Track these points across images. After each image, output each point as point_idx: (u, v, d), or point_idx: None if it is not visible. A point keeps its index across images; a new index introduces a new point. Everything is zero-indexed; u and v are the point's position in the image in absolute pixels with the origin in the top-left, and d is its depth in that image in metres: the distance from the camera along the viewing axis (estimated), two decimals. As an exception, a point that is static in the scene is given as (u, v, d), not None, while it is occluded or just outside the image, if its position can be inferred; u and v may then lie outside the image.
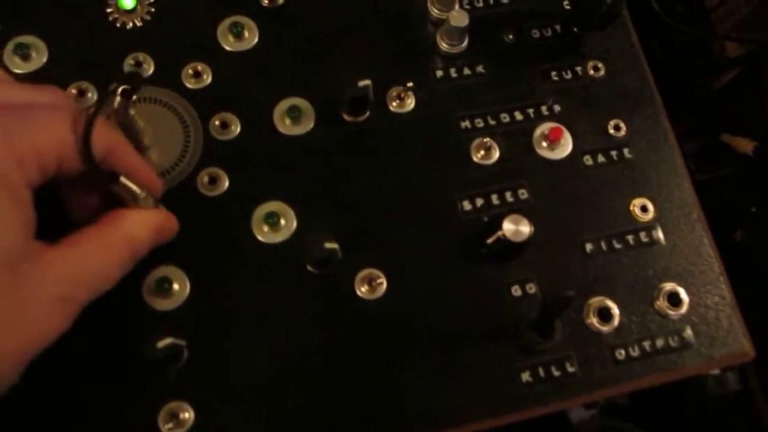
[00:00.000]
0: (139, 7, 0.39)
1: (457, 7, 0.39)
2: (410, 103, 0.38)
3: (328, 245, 0.32)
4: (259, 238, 0.35)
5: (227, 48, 0.39)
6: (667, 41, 0.75)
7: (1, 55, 0.37)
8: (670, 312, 0.36)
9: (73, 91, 0.37)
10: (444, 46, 0.39)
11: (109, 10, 0.39)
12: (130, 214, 0.31)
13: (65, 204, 0.32)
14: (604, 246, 0.37)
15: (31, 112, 0.28)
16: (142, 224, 0.31)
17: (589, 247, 0.37)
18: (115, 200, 0.31)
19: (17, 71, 0.37)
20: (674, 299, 0.36)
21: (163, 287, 0.34)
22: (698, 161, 0.76)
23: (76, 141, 0.28)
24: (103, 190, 0.31)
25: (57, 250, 0.27)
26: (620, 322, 0.36)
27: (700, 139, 0.76)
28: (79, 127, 0.28)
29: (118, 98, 0.31)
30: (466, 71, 0.40)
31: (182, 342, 0.32)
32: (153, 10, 0.39)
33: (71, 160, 0.28)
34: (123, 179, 0.31)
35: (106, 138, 0.29)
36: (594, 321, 0.36)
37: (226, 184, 0.36)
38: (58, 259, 0.27)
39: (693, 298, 0.37)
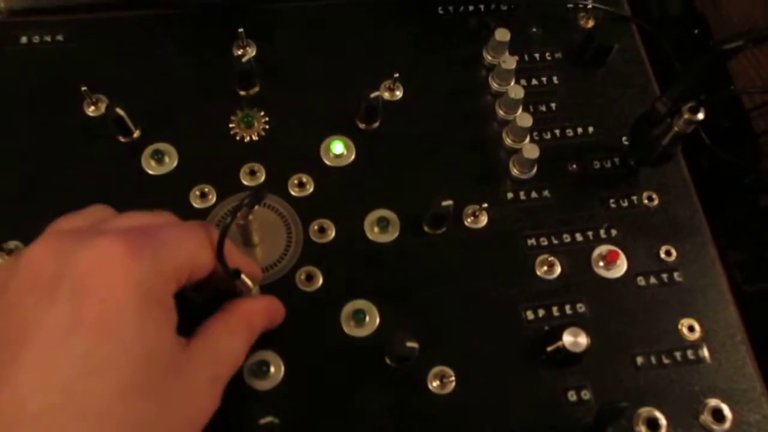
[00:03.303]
0: (256, 124, 0.46)
1: (528, 140, 0.45)
2: (483, 220, 0.44)
3: (410, 344, 0.37)
4: (346, 331, 0.40)
5: (328, 163, 0.45)
6: (714, 155, 0.79)
7: (140, 158, 0.44)
8: (714, 427, 0.39)
9: (197, 192, 0.43)
10: (515, 171, 0.45)
11: (231, 125, 0.46)
12: (245, 301, 0.37)
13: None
14: (653, 360, 0.41)
15: (166, 233, 0.32)
16: (256, 309, 0.37)
17: (639, 360, 0.41)
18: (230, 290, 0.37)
19: (152, 173, 0.44)
20: (718, 415, 0.40)
21: (262, 369, 0.39)
22: (744, 272, 0.79)
23: (213, 245, 0.34)
24: (226, 284, 0.36)
25: (197, 341, 0.32)
26: (667, 433, 0.39)
27: (747, 250, 0.79)
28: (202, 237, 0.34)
29: (244, 207, 0.38)
30: (534, 195, 0.45)
31: (277, 420, 0.37)
32: (267, 127, 0.46)
33: (200, 270, 0.33)
34: (243, 276, 0.36)
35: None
36: (642, 429, 0.39)
37: (321, 281, 0.41)
38: (200, 348, 0.32)
39: (736, 416, 0.40)
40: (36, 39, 0.47)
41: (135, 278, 0.29)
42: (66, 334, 0.28)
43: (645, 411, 0.39)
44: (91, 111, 0.45)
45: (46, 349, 0.27)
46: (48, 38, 0.47)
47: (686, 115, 0.39)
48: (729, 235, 0.77)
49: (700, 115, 0.39)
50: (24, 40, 0.47)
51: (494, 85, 0.48)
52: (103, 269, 0.29)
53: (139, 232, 0.31)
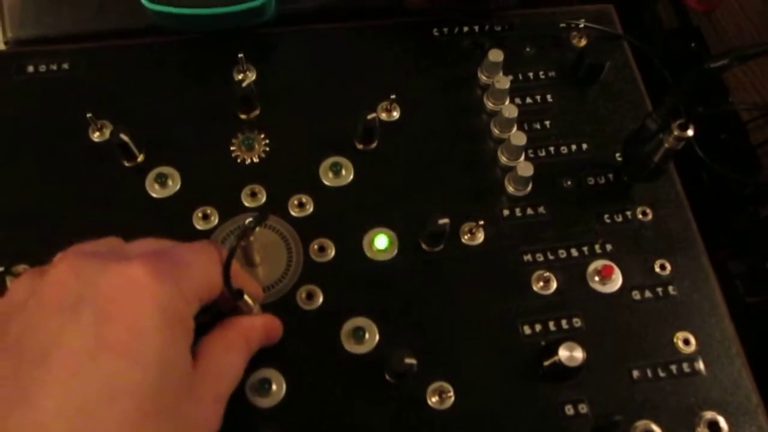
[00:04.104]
0: (257, 146, 0.47)
1: (523, 158, 0.46)
2: (480, 237, 0.45)
3: (408, 360, 0.38)
4: (346, 348, 0.41)
5: (327, 183, 0.46)
6: (714, 169, 0.80)
7: (144, 182, 0.45)
8: (711, 439, 0.40)
9: (200, 214, 0.44)
10: (511, 189, 0.46)
11: (232, 148, 0.47)
12: (243, 318, 0.37)
13: None
14: (649, 373, 0.41)
15: (183, 255, 0.33)
16: (254, 326, 0.38)
17: (636, 373, 0.41)
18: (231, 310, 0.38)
19: (155, 196, 0.45)
20: (714, 427, 0.40)
21: (264, 387, 0.39)
22: (747, 283, 0.79)
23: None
24: (230, 305, 0.37)
25: (200, 360, 0.33)
26: (664, 446, 0.40)
27: (749, 262, 0.80)
28: (215, 256, 0.35)
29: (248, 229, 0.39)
30: (529, 211, 0.46)
31: (279, 437, 0.38)
32: (268, 149, 0.47)
33: (215, 289, 0.34)
34: (246, 297, 0.37)
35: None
36: (639, 442, 0.40)
37: (321, 299, 0.42)
38: (205, 367, 0.33)
39: (732, 428, 0.40)
40: (42, 68, 0.49)
41: (159, 302, 0.30)
42: (89, 357, 0.28)
43: (641, 424, 0.40)
44: (96, 137, 0.46)
45: (69, 372, 0.28)
46: (54, 67, 0.49)
47: (676, 132, 0.40)
48: (731, 248, 0.77)
49: (690, 132, 0.40)
50: (30, 68, 0.49)
51: (489, 105, 0.49)
52: (126, 293, 0.29)
53: (159, 256, 0.32)
